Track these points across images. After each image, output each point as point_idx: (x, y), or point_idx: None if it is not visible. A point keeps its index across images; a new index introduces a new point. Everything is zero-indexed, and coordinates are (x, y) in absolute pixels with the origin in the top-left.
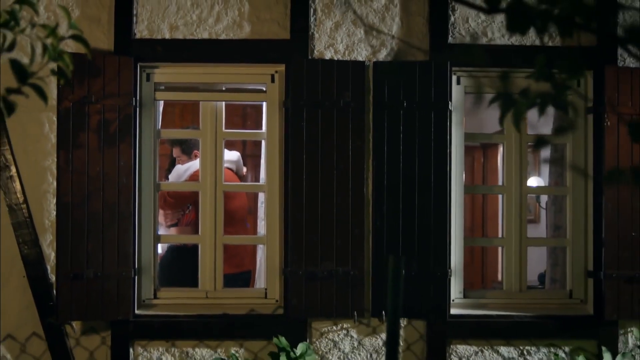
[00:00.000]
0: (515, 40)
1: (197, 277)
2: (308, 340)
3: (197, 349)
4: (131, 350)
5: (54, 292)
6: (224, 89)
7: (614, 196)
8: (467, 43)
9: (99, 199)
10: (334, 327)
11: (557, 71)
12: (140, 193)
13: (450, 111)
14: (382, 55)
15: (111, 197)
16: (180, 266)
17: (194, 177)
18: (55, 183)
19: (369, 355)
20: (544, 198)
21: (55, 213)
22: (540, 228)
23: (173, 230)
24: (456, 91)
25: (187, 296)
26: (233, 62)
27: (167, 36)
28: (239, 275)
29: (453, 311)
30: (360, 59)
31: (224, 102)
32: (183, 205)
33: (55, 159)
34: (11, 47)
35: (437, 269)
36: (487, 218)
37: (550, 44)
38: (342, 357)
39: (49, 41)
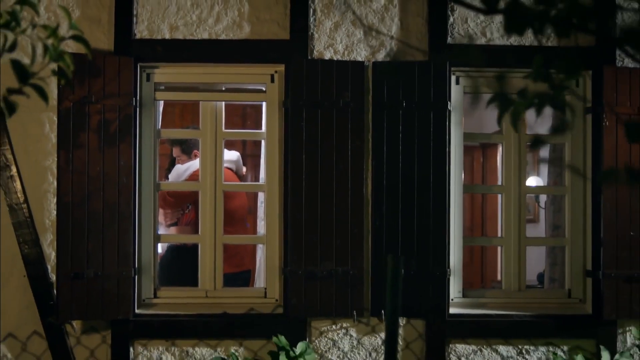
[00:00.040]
0: (514, 40)
1: (197, 276)
2: (307, 340)
3: (197, 348)
4: (131, 349)
5: (55, 291)
6: (223, 89)
7: (613, 196)
8: (466, 43)
9: (99, 199)
10: (334, 327)
11: (555, 71)
12: (140, 193)
13: (449, 111)
14: (381, 56)
15: (111, 197)
16: (180, 265)
17: (193, 176)
18: (55, 183)
19: (368, 354)
20: (543, 198)
21: (55, 213)
22: (540, 228)
23: (173, 230)
24: (455, 91)
25: (187, 295)
26: (233, 62)
27: (167, 36)
28: (239, 275)
29: (452, 310)
30: (359, 59)
31: (223, 102)
32: (183, 204)
33: (56, 159)
34: (12, 47)
35: (436, 268)
36: (486, 218)
37: (549, 44)
38: (341, 356)
39: (49, 42)
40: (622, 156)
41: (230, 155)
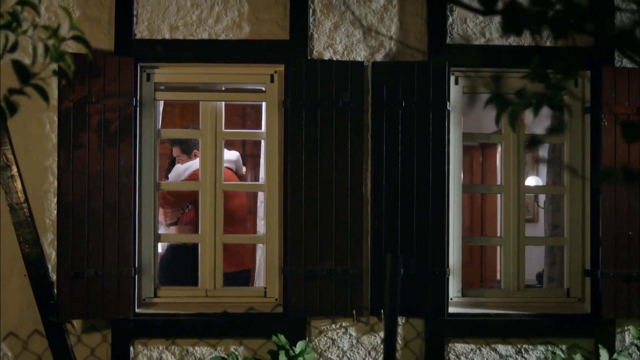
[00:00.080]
0: (513, 40)
1: (197, 275)
2: (307, 339)
3: (196, 347)
4: (131, 348)
5: (55, 290)
6: (223, 89)
7: (611, 196)
8: (464, 44)
9: (100, 199)
10: (333, 326)
11: (552, 72)
12: (140, 192)
13: (449, 111)
14: (380, 56)
15: (112, 197)
16: (180, 265)
17: (193, 176)
18: (56, 182)
19: (367, 353)
20: (542, 197)
21: (56, 212)
22: (539, 227)
23: (173, 229)
24: (454, 91)
25: (187, 295)
26: (233, 62)
27: (167, 36)
28: (239, 274)
29: (451, 310)
30: (359, 59)
31: (223, 102)
32: (182, 203)
33: (56, 159)
34: (13, 48)
35: (435, 268)
36: (486, 217)
37: (547, 44)
38: (340, 355)
39: (50, 42)
40: (620, 156)
41: (230, 155)
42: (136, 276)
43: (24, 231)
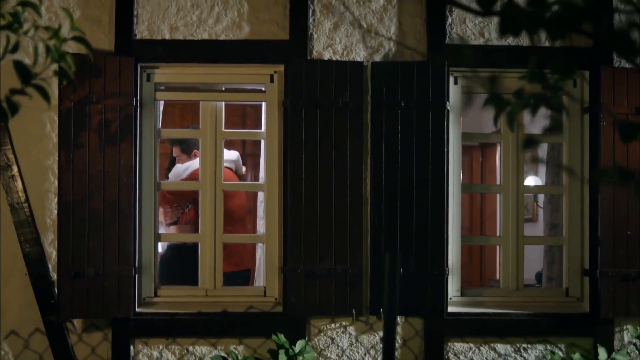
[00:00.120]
0: (512, 41)
1: (197, 275)
2: (307, 337)
3: (197, 346)
4: (132, 347)
5: (56, 290)
6: (223, 89)
7: (610, 195)
8: (463, 44)
9: (100, 198)
10: (332, 325)
11: (550, 72)
12: (140, 192)
13: (448, 111)
14: (380, 56)
15: (112, 196)
16: (180, 264)
17: (193, 175)
18: (56, 182)
19: (366, 352)
20: (541, 197)
21: (56, 212)
22: (538, 227)
23: (173, 229)
24: (453, 91)
25: (187, 294)
26: (232, 62)
27: (167, 37)
28: (239, 274)
29: (450, 309)
30: (358, 59)
31: (223, 102)
32: (182, 203)
33: (57, 159)
34: (15, 48)
35: (434, 267)
36: (485, 217)
37: (546, 44)
38: (340, 354)
39: (51, 42)
40: (619, 156)
41: (230, 155)
42: (136, 275)
43: (24, 230)
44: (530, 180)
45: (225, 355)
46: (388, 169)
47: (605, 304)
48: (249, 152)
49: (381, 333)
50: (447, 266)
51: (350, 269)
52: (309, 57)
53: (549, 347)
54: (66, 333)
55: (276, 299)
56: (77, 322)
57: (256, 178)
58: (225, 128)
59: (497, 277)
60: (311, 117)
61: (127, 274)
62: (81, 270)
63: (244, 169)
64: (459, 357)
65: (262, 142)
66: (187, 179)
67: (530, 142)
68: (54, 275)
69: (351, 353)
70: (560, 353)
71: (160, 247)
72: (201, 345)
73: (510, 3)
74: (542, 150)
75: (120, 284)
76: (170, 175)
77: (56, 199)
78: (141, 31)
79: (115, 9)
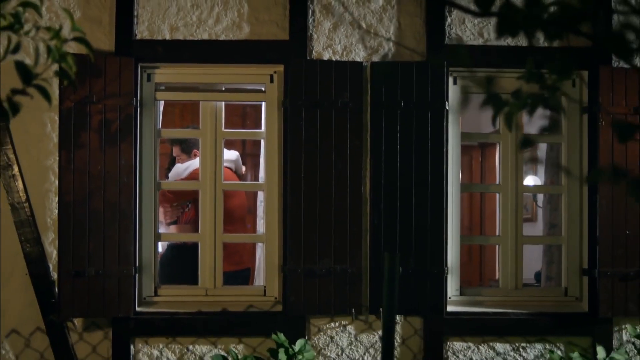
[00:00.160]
0: (512, 41)
1: (197, 274)
2: (306, 336)
3: (197, 345)
4: (132, 346)
5: (56, 289)
6: (223, 89)
7: (609, 195)
8: (461, 44)
9: (100, 198)
10: (332, 324)
11: (547, 72)
12: (141, 192)
13: (447, 111)
14: (379, 56)
15: (112, 196)
16: (180, 264)
17: (193, 175)
18: (57, 182)
19: (365, 351)
20: (540, 197)
21: (57, 211)
22: (538, 227)
23: (173, 228)
24: (453, 91)
25: (187, 293)
26: (232, 62)
27: (168, 37)
28: (239, 273)
29: (450, 308)
30: (358, 59)
31: (223, 102)
32: (182, 202)
33: (57, 158)
34: (16, 49)
35: (434, 266)
36: (485, 217)
37: (545, 44)
38: (339, 353)
39: (52, 43)
40: (617, 156)
41: (230, 155)
42: (137, 275)
43: (25, 230)
44: (530, 180)
45: (225, 354)
46: (387, 169)
47: (603, 304)
48: (249, 152)
49: (380, 332)
50: (446, 265)
51: (350, 268)
52: (308, 58)
53: (547, 347)
54: (67, 332)
55: (276, 298)
56: (78, 321)
57: (256, 178)
58: (225, 128)
59: (497, 276)
60: (311, 117)
61: (127, 273)
62: (82, 270)
63: (243, 168)
64: (458, 356)
65: (262, 142)
66: (187, 179)
67: (527, 142)
68: (55, 275)
69: (350, 352)
70: (559, 352)
71: (161, 246)
72: (201, 344)
73: (508, 4)
74: (541, 150)
75: (120, 283)
76: (170, 174)
77: (57, 199)
78: (141, 31)
79: (116, 9)
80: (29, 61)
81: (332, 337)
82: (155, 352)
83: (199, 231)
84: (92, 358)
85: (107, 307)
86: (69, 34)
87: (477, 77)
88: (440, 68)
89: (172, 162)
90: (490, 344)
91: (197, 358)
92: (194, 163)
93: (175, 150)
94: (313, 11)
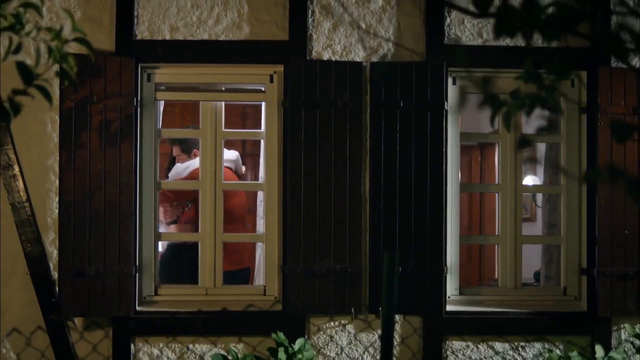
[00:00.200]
0: (511, 41)
1: (197, 274)
2: (306, 336)
3: (197, 345)
4: (132, 345)
5: (57, 289)
6: (223, 89)
7: (608, 194)
8: (460, 44)
9: (101, 198)
10: (332, 323)
11: (545, 72)
12: (141, 192)
13: (446, 111)
14: (379, 56)
15: (113, 196)
16: (181, 263)
17: (193, 175)
18: (57, 182)
19: (365, 350)
20: (540, 196)
21: (57, 211)
22: (537, 226)
23: (173, 228)
24: (452, 91)
25: (187, 293)
26: (232, 62)
27: (168, 37)
28: (239, 273)
29: (449, 308)
30: (357, 59)
31: (223, 102)
32: (182, 202)
33: (58, 158)
34: (17, 49)
35: (433, 266)
36: (484, 216)
37: (544, 44)
38: (339, 352)
39: (53, 44)
40: (616, 156)
41: (230, 155)
42: (137, 274)
43: (25, 230)
44: (529, 180)
45: (225, 354)
46: (387, 169)
47: (602, 303)
48: (249, 152)
49: (380, 331)
50: (445, 265)
51: (349, 268)
52: (308, 58)
53: (546, 346)
54: (67, 331)
55: (276, 297)
56: (78, 321)
57: (256, 178)
58: (225, 128)
59: (496, 276)
60: (310, 117)
61: (127, 273)
62: (82, 269)
63: (243, 168)
64: (457, 355)
65: (262, 142)
66: (187, 179)
67: (525, 142)
68: (55, 274)
69: (350, 351)
70: (558, 351)
71: (161, 246)
72: (201, 343)
73: (506, 4)
74: (541, 150)
75: (120, 282)
76: (170, 174)
77: (57, 199)
78: (142, 31)
79: (116, 9)
80: (29, 61)
81: (331, 337)
82: (156, 351)
83: (199, 231)
84: (92, 357)
85: (107, 307)
86: (70, 35)
87: (475, 77)
88: (440, 68)
89: (172, 162)
90: (490, 343)
91: (197, 357)
92: (194, 163)
93: (175, 150)
94: (313, 11)
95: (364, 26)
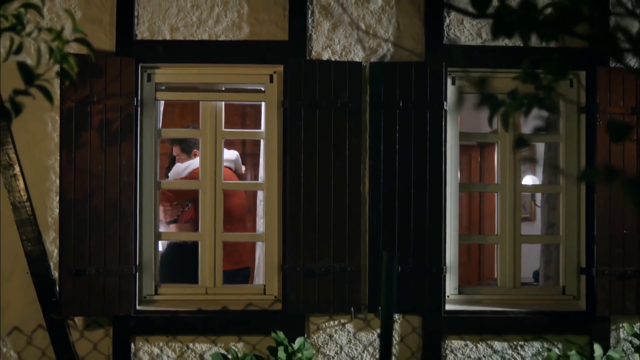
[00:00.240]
0: (510, 41)
1: (197, 273)
2: (305, 335)
3: (196, 344)
4: (132, 344)
5: (57, 288)
6: (223, 89)
7: (606, 194)
8: (457, 44)
9: (101, 197)
10: (331, 322)
11: (543, 72)
12: (141, 191)
13: (446, 111)
14: (378, 56)
15: (113, 195)
16: (181, 263)
17: (193, 174)
18: (58, 181)
19: (364, 349)
20: (539, 196)
21: (58, 211)
22: (536, 226)
23: (173, 227)
24: (451, 91)
25: (187, 292)
26: (232, 62)
27: (168, 37)
28: (238, 272)
29: (448, 307)
30: (357, 59)
31: (223, 102)
32: (182, 201)
33: (58, 158)
34: (19, 50)
35: (432, 265)
36: (484, 216)
37: (544, 44)
38: (338, 351)
39: (54, 44)
40: (615, 156)
41: (229, 155)
42: (137, 274)
43: (26, 229)
44: (528, 180)
45: (225, 352)
46: (386, 169)
47: (601, 302)
48: (249, 152)
49: (379, 330)
50: (444, 264)
51: (349, 267)
52: (307, 58)
53: (545, 345)
54: (67, 330)
55: (275, 296)
56: (79, 319)
57: (256, 177)
58: (225, 128)
59: (496, 275)
60: (310, 117)
61: (127, 272)
62: (82, 269)
63: (243, 168)
64: (456, 354)
65: (262, 141)
66: (187, 178)
67: (521, 142)
68: (56, 274)
69: (349, 350)
70: (557, 350)
71: (161, 245)
72: (201, 342)
73: (503, 5)
74: (540, 150)
75: (121, 282)
76: (170, 174)
77: (57, 198)
78: (142, 32)
79: (116, 9)
80: (30, 62)
81: (331, 336)
82: (156, 350)
83: (199, 230)
84: (93, 355)
85: (107, 306)
86: (71, 35)
87: (473, 77)
88: (439, 68)
89: (172, 162)
90: (489, 342)
91: (197, 356)
92: (194, 162)
93: (175, 150)
94: (312, 12)
95: (363, 26)
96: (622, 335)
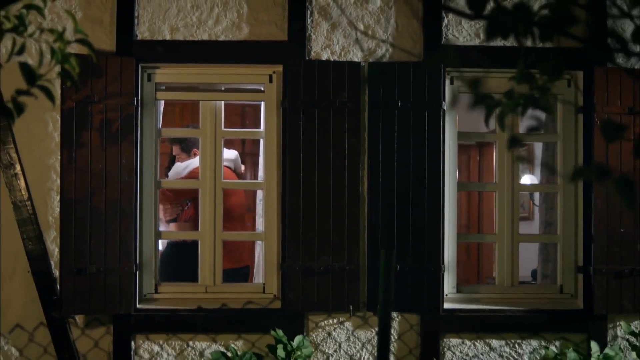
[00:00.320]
0: (508, 41)
1: (197, 272)
2: (304, 332)
3: (196, 341)
4: (133, 342)
5: (58, 286)
6: (223, 89)
7: (604, 193)
8: (451, 44)
9: (102, 196)
10: (330, 320)
11: (538, 73)
12: (141, 190)
13: (444, 110)
14: (377, 56)
15: (113, 195)
16: (181, 261)
17: (192, 174)
18: (58, 181)
19: (362, 346)
20: (537, 195)
21: (58, 210)
22: (534, 225)
23: (172, 226)
24: (449, 91)
25: (187, 291)
26: (232, 62)
27: (168, 37)
28: (238, 271)
29: (446, 305)
30: (356, 59)
31: (223, 102)
32: (181, 200)
33: (59, 157)
34: (21, 51)
35: (430, 264)
36: (483, 215)
37: (541, 45)
38: (337, 349)
39: (56, 45)
40: (612, 155)
41: (229, 154)
42: (137, 272)
43: (27, 228)
44: (526, 179)
45: (225, 350)
46: (385, 168)
47: (598, 301)
48: (248, 151)
49: (377, 328)
50: (443, 263)
51: (348, 265)
52: (307, 58)
53: (543, 343)
54: (68, 328)
55: (275, 295)
56: (80, 317)
57: (255, 176)
58: (225, 127)
59: (494, 274)
60: (309, 117)
61: (128, 271)
62: (83, 267)
63: (243, 167)
64: (454, 352)
65: (261, 141)
66: (187, 177)
67: (515, 141)
68: (56, 272)
69: (348, 348)
70: (554, 348)
71: (161, 244)
72: (201, 340)
73: (498, 7)
74: (539, 149)
75: (121, 280)
76: (170, 173)
77: (58, 197)
78: (142, 32)
79: (117, 10)
80: (32, 62)
81: (329, 333)
82: (156, 348)
83: (199, 229)
84: (93, 353)
85: (108, 304)
86: (72, 35)
87: (469, 77)
88: (437, 68)
89: (172, 161)
90: (486, 340)
91: (196, 353)
92: (194, 162)
93: (175, 149)
94: (311, 12)
95: (362, 27)
96: (619, 334)
